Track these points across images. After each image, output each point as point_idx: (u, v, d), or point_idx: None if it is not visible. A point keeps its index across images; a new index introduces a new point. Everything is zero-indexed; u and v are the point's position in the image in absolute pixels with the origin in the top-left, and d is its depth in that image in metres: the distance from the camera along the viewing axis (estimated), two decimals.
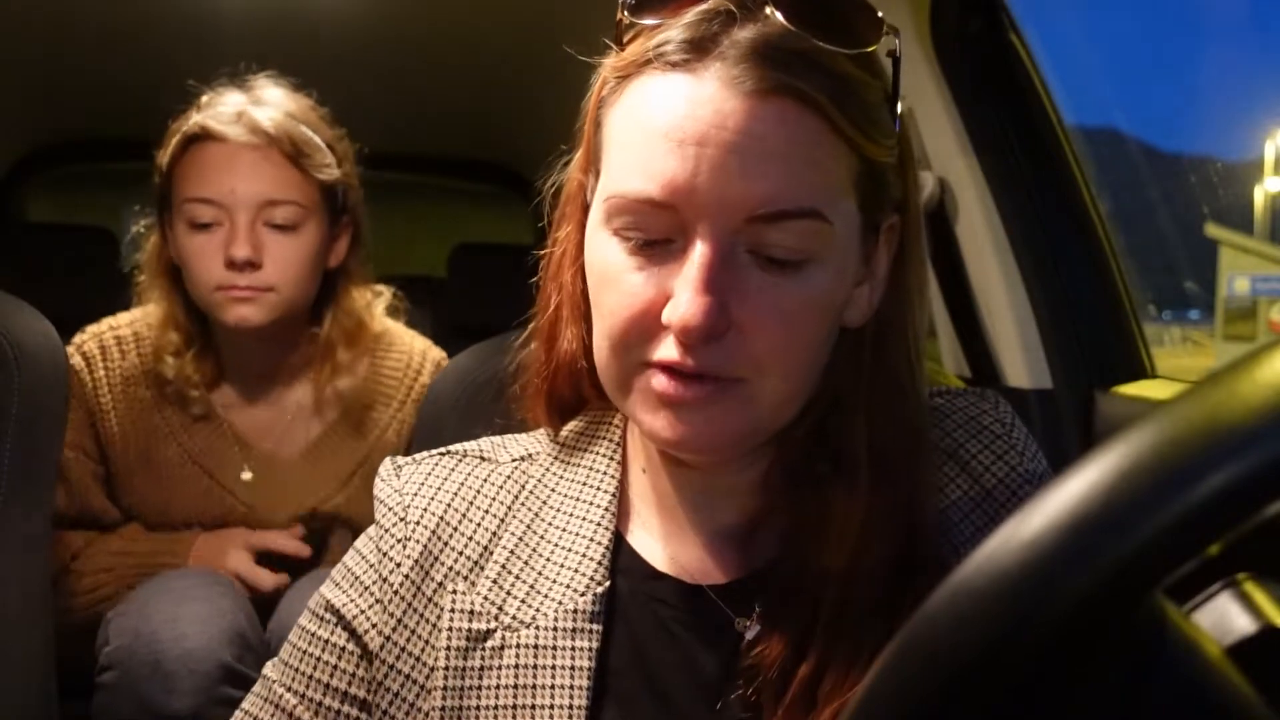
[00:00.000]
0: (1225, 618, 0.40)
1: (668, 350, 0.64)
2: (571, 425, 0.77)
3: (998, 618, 0.34)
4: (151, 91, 1.49)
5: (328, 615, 0.74)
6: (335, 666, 0.72)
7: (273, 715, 0.73)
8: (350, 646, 0.73)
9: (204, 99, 1.46)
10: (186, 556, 1.46)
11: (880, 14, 0.66)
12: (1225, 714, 0.37)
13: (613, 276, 0.65)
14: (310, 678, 0.73)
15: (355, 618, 0.72)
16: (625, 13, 0.67)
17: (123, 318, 1.54)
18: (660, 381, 0.64)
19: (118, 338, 1.50)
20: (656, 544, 0.73)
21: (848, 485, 0.68)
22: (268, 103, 1.44)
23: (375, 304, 1.56)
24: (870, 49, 0.65)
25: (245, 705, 0.75)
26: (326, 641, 0.73)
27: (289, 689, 0.73)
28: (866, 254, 0.69)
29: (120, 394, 1.48)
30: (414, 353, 1.56)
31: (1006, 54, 1.45)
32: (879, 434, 0.69)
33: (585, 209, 0.71)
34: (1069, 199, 1.48)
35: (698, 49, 0.62)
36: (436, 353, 1.58)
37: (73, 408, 1.43)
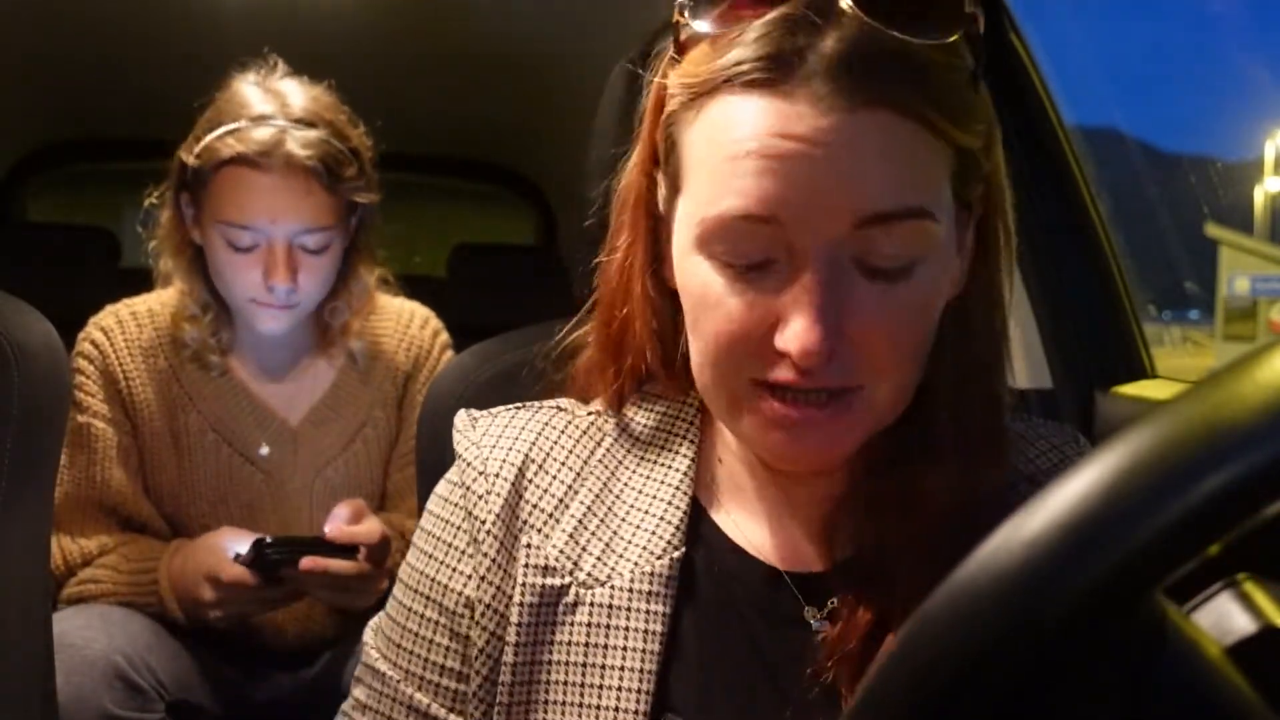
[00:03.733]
0: (1225, 618, 0.40)
1: (783, 371, 0.63)
2: (643, 399, 0.76)
3: (998, 617, 0.34)
4: (152, 92, 1.49)
5: (425, 589, 0.73)
6: (443, 645, 0.72)
7: (392, 708, 0.72)
8: (452, 620, 0.72)
9: (232, 97, 1.47)
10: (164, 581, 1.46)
11: None
12: (1225, 714, 0.37)
13: (713, 301, 0.63)
14: (426, 660, 0.72)
15: (452, 582, 0.72)
16: (682, 14, 0.64)
17: (135, 299, 1.59)
18: (775, 407, 0.63)
19: (133, 313, 1.56)
20: (735, 526, 0.73)
21: (932, 465, 0.67)
22: (301, 117, 1.45)
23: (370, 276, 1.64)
24: (954, 38, 0.62)
25: (361, 697, 0.74)
26: (435, 622, 0.72)
27: (405, 673, 0.73)
28: (959, 233, 0.68)
29: (140, 364, 1.54)
30: (402, 311, 1.67)
31: (1006, 54, 1.45)
32: (963, 412, 0.68)
33: (651, 215, 0.70)
34: (1069, 199, 1.48)
35: (779, 67, 0.60)
36: (424, 311, 1.68)
37: (99, 383, 1.51)
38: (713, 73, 0.62)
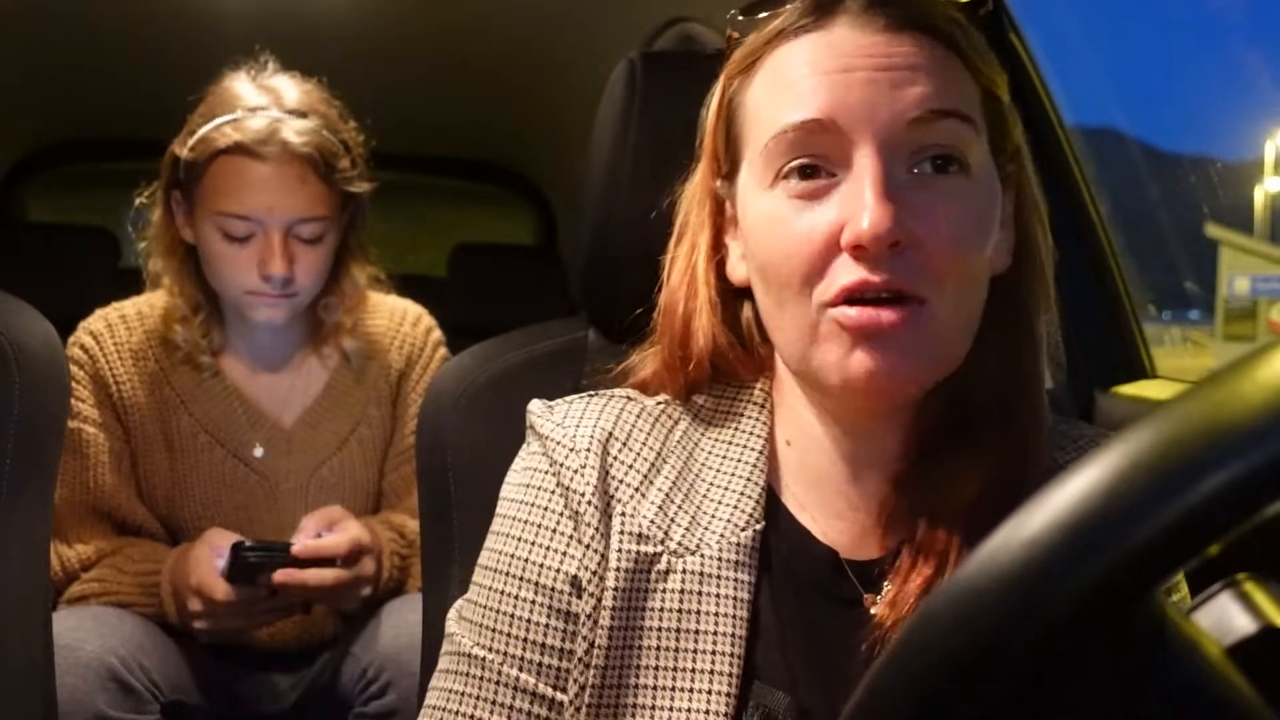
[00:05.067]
0: (1225, 618, 0.40)
1: (851, 273, 0.66)
2: (711, 389, 0.79)
3: (998, 617, 0.34)
4: (151, 91, 1.49)
5: (518, 571, 0.73)
6: (541, 624, 0.73)
7: (496, 691, 0.72)
8: (551, 598, 0.72)
9: (225, 90, 1.48)
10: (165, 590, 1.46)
11: None
12: (1225, 714, 0.37)
13: (782, 222, 0.68)
14: (526, 640, 0.73)
15: (548, 560, 0.73)
16: (735, 25, 0.73)
17: (124, 303, 1.59)
18: (849, 313, 0.66)
19: (122, 316, 1.56)
20: (801, 510, 0.75)
21: (975, 447, 0.71)
22: (295, 109, 1.46)
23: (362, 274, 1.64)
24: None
25: (456, 686, 0.74)
26: (532, 602, 0.73)
27: (504, 655, 0.73)
28: (1002, 191, 0.73)
29: (131, 367, 1.53)
30: (395, 309, 1.67)
31: (1006, 54, 1.45)
32: (1006, 391, 0.72)
33: (717, 212, 0.76)
34: (1069, 199, 1.48)
35: (822, 10, 0.69)
36: (416, 308, 1.68)
37: (89, 387, 1.51)
38: (762, 38, 0.71)
